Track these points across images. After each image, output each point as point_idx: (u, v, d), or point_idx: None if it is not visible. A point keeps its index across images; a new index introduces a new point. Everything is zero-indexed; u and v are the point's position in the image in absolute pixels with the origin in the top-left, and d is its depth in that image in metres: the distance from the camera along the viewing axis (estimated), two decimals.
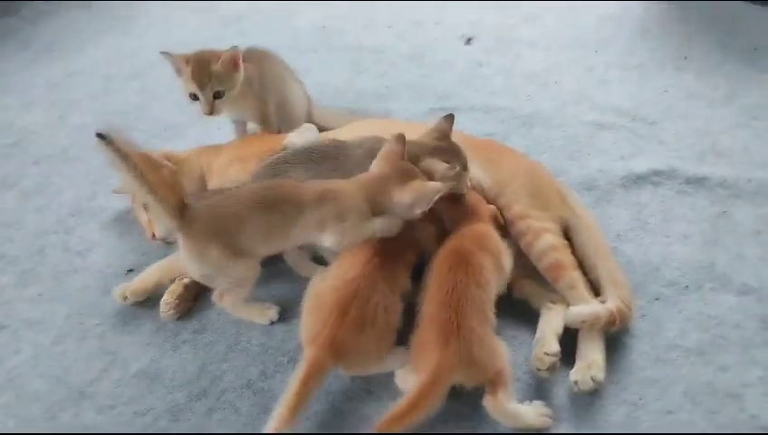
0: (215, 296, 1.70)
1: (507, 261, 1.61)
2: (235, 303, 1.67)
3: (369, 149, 1.68)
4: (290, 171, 1.70)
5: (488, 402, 1.41)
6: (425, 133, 1.73)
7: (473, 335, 1.40)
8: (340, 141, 1.75)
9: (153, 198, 1.48)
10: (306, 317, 1.50)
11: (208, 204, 1.58)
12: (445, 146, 1.70)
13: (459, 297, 1.43)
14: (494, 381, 1.40)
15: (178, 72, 2.02)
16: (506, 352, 1.47)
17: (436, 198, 1.51)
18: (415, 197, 1.52)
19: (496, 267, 1.56)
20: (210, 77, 1.97)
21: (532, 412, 1.44)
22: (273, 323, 1.69)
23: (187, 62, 1.98)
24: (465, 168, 1.68)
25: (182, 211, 1.52)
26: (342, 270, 1.52)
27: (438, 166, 1.63)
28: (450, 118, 1.75)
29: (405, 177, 1.55)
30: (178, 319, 1.73)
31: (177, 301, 1.72)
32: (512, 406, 1.41)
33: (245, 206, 1.54)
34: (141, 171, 1.45)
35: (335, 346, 1.42)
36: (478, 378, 1.41)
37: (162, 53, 2.01)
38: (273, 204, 1.54)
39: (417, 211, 1.53)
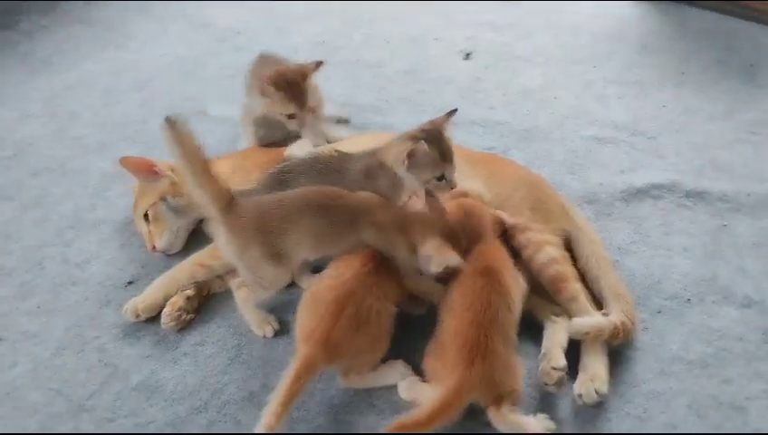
0: (233, 282, 1.72)
1: (522, 280, 1.61)
2: (247, 299, 1.67)
3: (366, 165, 1.68)
4: (294, 181, 1.70)
5: (492, 413, 1.41)
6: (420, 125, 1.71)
7: (497, 358, 1.41)
8: (344, 154, 1.75)
9: (201, 186, 1.52)
10: (301, 317, 1.52)
11: (258, 202, 1.59)
12: (430, 132, 1.67)
13: (491, 319, 1.44)
14: (504, 397, 1.41)
15: (263, 94, 2.08)
16: (522, 371, 1.48)
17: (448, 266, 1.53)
18: (433, 257, 1.54)
19: (518, 287, 1.57)
20: (304, 95, 2.07)
21: (535, 424, 1.43)
22: (265, 337, 1.68)
23: (276, 85, 2.03)
24: (446, 159, 1.65)
25: (229, 204, 1.55)
26: (339, 271, 1.54)
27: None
28: (451, 112, 1.72)
29: (446, 237, 1.57)
30: (179, 331, 1.71)
31: (178, 313, 1.70)
32: (515, 416, 1.41)
33: (298, 210, 1.55)
34: (194, 159, 1.51)
35: (329, 344, 1.43)
36: (494, 396, 1.41)
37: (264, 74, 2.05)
38: (327, 211, 1.56)
39: (432, 269, 1.54)
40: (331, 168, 1.72)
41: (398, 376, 1.55)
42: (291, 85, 2.06)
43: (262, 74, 2.06)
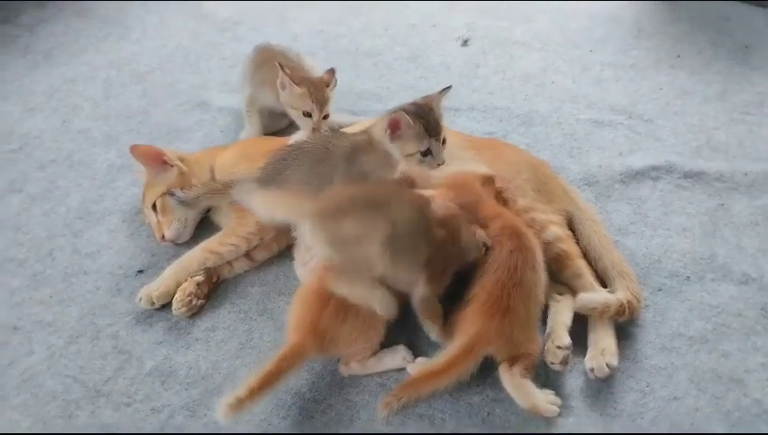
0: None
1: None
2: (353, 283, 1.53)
3: (353, 142, 1.69)
4: (288, 169, 1.72)
5: (503, 372, 1.46)
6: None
7: (517, 318, 1.45)
8: (336, 132, 1.76)
9: None
10: (293, 309, 1.56)
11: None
12: (417, 105, 1.69)
13: (516, 282, 1.47)
14: (518, 358, 1.46)
15: (285, 85, 2.12)
16: (540, 344, 1.54)
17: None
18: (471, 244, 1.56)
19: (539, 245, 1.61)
20: (325, 98, 2.12)
21: (541, 396, 1.47)
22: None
23: (300, 83, 2.09)
24: (432, 134, 1.65)
25: None
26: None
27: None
28: (445, 89, 1.75)
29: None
30: (191, 317, 1.75)
31: (189, 298, 1.73)
32: (524, 381, 1.46)
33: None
34: None
35: (317, 332, 1.48)
36: (509, 353, 1.46)
37: (279, 64, 2.11)
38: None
39: (475, 255, 1.56)
40: (317, 147, 1.74)
41: (399, 361, 1.58)
42: (315, 85, 2.12)
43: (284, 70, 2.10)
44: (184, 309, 1.73)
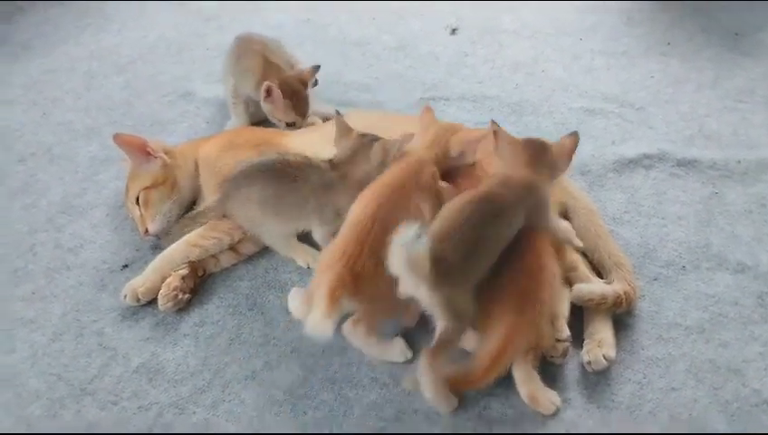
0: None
1: None
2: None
3: (324, 181, 1.67)
4: (249, 186, 1.69)
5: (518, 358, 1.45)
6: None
7: (544, 308, 1.43)
8: (301, 161, 1.70)
9: None
10: (325, 251, 1.51)
11: None
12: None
13: (539, 267, 1.46)
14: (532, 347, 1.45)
15: (265, 95, 2.12)
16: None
17: None
18: None
19: None
20: (306, 105, 2.15)
21: (544, 391, 1.46)
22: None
23: (284, 93, 2.09)
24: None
25: None
26: (360, 208, 1.51)
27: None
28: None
29: None
30: (178, 312, 1.71)
31: (174, 292, 1.69)
32: (534, 372, 1.46)
33: None
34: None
35: (353, 271, 1.41)
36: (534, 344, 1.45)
37: (268, 84, 2.10)
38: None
39: None
40: (286, 174, 1.70)
41: (397, 354, 1.56)
42: (295, 95, 2.12)
43: (266, 83, 2.09)
44: (170, 304, 1.69)
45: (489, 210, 1.42)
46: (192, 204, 1.94)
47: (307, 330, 1.35)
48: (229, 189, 1.71)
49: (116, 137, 1.87)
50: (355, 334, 1.53)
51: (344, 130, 1.72)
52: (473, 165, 1.72)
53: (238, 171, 1.71)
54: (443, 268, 1.30)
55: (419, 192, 1.56)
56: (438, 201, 1.56)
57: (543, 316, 1.43)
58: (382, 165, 1.65)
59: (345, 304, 1.41)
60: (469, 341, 1.48)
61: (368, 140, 1.68)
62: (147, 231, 1.85)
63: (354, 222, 1.48)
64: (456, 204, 1.44)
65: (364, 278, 1.41)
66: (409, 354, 1.55)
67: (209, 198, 1.86)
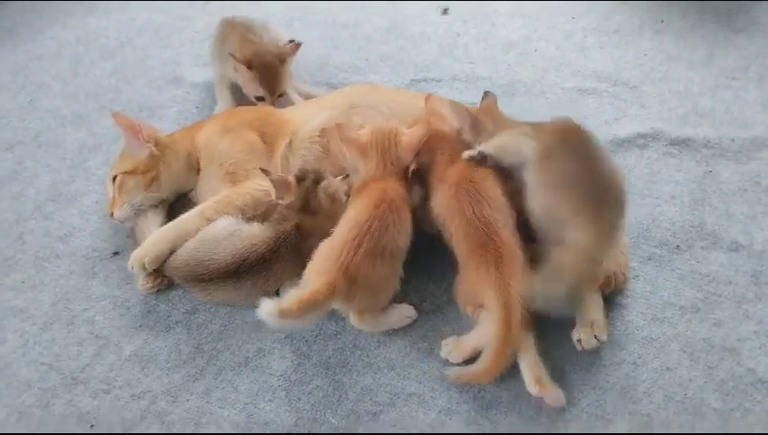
0: None
1: None
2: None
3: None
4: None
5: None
6: None
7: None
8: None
9: None
10: (317, 261, 1.50)
11: None
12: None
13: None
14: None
15: (236, 69, 2.15)
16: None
17: None
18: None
19: None
20: (277, 82, 2.12)
21: (550, 381, 1.45)
22: None
23: (249, 66, 2.09)
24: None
25: None
26: (355, 213, 1.54)
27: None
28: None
29: None
30: (157, 292, 1.70)
31: (154, 274, 1.68)
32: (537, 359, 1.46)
33: None
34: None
35: (348, 273, 1.44)
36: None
37: (230, 54, 2.12)
38: None
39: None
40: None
41: (405, 318, 1.60)
42: (266, 69, 2.11)
43: (239, 54, 2.09)
44: (149, 285, 1.68)
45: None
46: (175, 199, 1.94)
47: (259, 313, 1.35)
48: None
49: (115, 115, 1.86)
50: (365, 322, 1.57)
51: (282, 187, 1.67)
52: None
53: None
54: None
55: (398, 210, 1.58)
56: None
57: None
58: (336, 200, 1.69)
59: (341, 307, 1.51)
60: (462, 351, 1.51)
61: (310, 183, 1.67)
62: (112, 214, 1.83)
63: (351, 226, 1.51)
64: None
65: (359, 281, 1.45)
66: (415, 314, 1.60)
67: (209, 182, 1.85)
